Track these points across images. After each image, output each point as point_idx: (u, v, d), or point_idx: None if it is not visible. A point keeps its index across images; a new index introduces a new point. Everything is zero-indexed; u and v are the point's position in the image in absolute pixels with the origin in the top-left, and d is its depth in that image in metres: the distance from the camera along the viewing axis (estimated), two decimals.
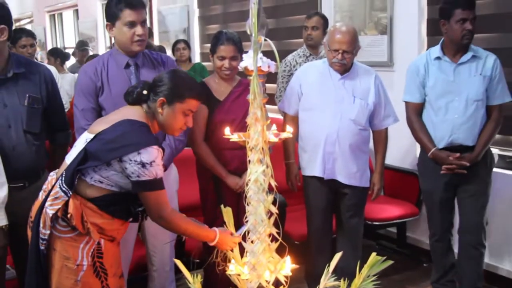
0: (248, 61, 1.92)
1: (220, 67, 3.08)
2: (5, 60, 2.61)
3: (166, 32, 7.67)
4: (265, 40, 1.85)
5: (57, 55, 6.83)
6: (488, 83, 3.15)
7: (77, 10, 11.29)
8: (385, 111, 3.23)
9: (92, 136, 2.21)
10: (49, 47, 12.58)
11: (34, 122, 2.65)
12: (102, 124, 2.25)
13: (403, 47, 4.27)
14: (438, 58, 3.20)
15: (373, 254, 1.96)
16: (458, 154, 3.17)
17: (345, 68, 3.13)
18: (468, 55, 3.16)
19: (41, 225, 2.17)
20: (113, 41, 3.16)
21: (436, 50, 3.23)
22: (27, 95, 2.64)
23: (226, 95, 3.13)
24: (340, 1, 4.75)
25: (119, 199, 2.23)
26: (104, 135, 2.19)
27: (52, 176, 2.30)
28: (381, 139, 3.30)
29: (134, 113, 2.26)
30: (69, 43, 12.22)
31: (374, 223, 3.93)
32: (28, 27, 14.37)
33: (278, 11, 5.59)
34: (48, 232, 2.15)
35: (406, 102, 3.35)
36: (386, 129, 3.30)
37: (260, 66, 1.90)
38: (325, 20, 4.41)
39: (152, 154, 2.14)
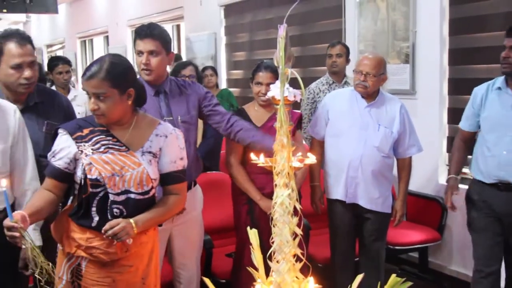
0: (275, 91, 2.04)
1: (257, 93, 3.23)
2: (32, 90, 2.76)
3: (193, 58, 7.83)
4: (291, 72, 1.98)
5: None
6: None
7: (107, 37, 11.62)
8: (409, 141, 3.32)
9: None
10: (80, 71, 12.94)
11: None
12: None
13: (425, 76, 4.37)
14: (499, 88, 3.08)
15: (393, 275, 2.04)
16: (456, 192, 3.23)
17: (366, 92, 3.24)
18: None
19: None
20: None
21: (500, 80, 3.11)
22: (46, 122, 2.76)
23: (264, 121, 3.27)
24: (363, 31, 4.89)
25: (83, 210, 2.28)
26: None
27: None
28: (404, 167, 3.38)
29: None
30: None
31: (396, 247, 4.00)
32: (60, 52, 14.82)
33: (303, 40, 5.73)
34: None
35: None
36: (410, 157, 3.38)
37: (286, 96, 2.02)
38: (347, 49, 4.56)
39: (56, 137, 2.30)
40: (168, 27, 8.86)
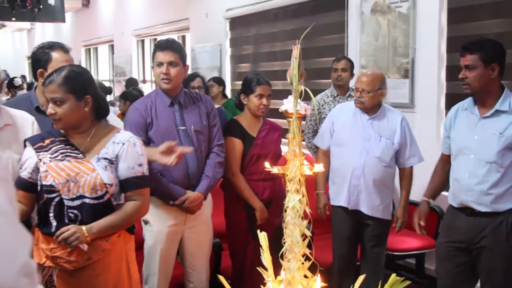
0: (288, 105, 2.24)
1: (258, 105, 3.42)
2: None
3: (197, 69, 7.97)
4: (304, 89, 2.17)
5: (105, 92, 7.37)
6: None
7: (112, 45, 11.79)
8: (410, 151, 3.48)
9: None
10: None
11: None
12: None
13: (424, 91, 4.55)
14: (466, 109, 2.98)
15: (393, 274, 2.22)
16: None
17: (364, 107, 3.42)
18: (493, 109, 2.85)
19: None
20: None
21: (468, 100, 2.99)
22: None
23: (257, 131, 3.48)
24: (365, 46, 5.09)
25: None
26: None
27: None
28: (405, 176, 3.53)
29: None
30: (104, 75, 12.72)
31: (394, 253, 4.18)
32: None
33: (308, 53, 5.86)
34: None
35: None
36: (411, 167, 3.53)
37: (298, 110, 2.22)
38: (351, 63, 4.73)
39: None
40: (174, 38, 9.04)
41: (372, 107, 3.44)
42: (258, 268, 2.34)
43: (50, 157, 2.35)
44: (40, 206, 2.36)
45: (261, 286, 2.29)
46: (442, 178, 3.17)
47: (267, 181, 3.44)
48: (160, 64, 3.08)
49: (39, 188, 2.35)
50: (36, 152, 2.36)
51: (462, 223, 2.94)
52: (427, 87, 4.52)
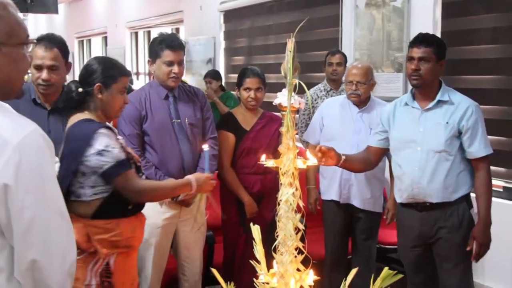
0: (282, 98, 2.23)
1: (246, 98, 3.42)
2: (59, 93, 2.89)
3: (190, 61, 8.00)
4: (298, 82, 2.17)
5: None
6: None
7: (106, 37, 11.74)
8: None
9: (58, 164, 2.30)
10: (77, 71, 13.05)
11: None
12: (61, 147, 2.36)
13: None
14: (406, 104, 2.98)
15: (386, 268, 2.23)
16: None
17: (360, 100, 3.44)
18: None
19: None
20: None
21: (406, 96, 3.04)
22: None
23: (251, 125, 3.48)
24: (359, 40, 5.10)
25: (115, 196, 2.32)
26: (63, 154, 2.32)
27: None
28: None
29: (74, 119, 2.38)
30: None
31: (386, 246, 4.19)
32: None
33: (301, 47, 5.82)
34: None
35: None
36: None
37: (292, 103, 2.21)
38: (345, 57, 4.74)
39: (102, 139, 2.26)
40: (167, 31, 9.01)
41: (365, 99, 3.47)
42: (250, 261, 2.35)
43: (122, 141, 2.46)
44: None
45: (254, 279, 2.31)
46: (359, 157, 3.11)
47: (258, 175, 3.44)
48: (171, 63, 3.09)
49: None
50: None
51: (414, 221, 2.95)
52: None
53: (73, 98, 2.39)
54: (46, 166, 1.43)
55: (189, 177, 2.55)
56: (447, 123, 2.83)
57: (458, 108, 2.83)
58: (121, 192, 2.33)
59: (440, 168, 2.84)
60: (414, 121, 2.92)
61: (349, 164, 2.89)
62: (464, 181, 2.88)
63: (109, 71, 2.39)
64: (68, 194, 2.27)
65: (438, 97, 2.86)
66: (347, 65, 4.73)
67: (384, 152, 3.14)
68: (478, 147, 2.81)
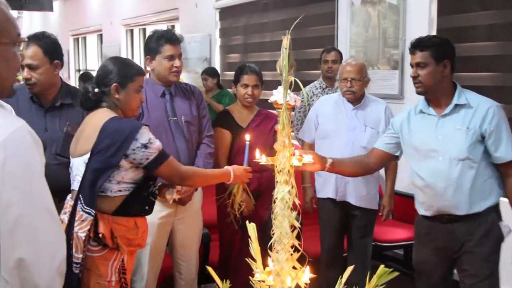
0: (277, 96, 2.22)
1: (243, 95, 3.41)
2: (57, 91, 2.92)
3: (186, 59, 7.94)
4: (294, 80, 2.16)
5: (86, 80, 7.32)
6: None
7: (101, 35, 11.71)
8: None
9: (86, 156, 2.35)
10: (72, 69, 13.03)
11: (68, 147, 2.75)
12: (84, 143, 2.38)
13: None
14: (421, 112, 2.81)
15: (382, 266, 2.23)
16: None
17: (355, 96, 3.44)
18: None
19: (74, 249, 2.27)
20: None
21: (421, 102, 2.83)
22: (68, 122, 2.88)
23: (248, 122, 3.47)
24: (355, 37, 5.09)
25: (136, 195, 2.40)
26: (99, 148, 2.32)
27: (69, 200, 2.46)
28: (391, 165, 3.55)
29: (102, 115, 2.40)
30: (92, 65, 12.65)
31: (382, 244, 4.20)
32: None
33: (297, 44, 5.86)
34: (81, 256, 2.27)
35: None
36: None
37: (288, 101, 2.21)
38: (340, 54, 4.73)
39: (145, 133, 2.34)
40: (163, 28, 8.98)
41: (359, 96, 3.47)
42: (246, 259, 2.35)
43: None
44: (146, 187, 2.46)
45: (249, 277, 2.31)
46: (353, 160, 2.98)
47: (255, 173, 3.41)
48: (171, 57, 3.09)
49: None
50: None
51: (438, 234, 2.76)
52: None
53: (90, 98, 2.45)
54: (34, 163, 1.41)
55: (228, 167, 2.66)
56: (467, 128, 2.63)
57: (477, 110, 2.64)
58: (165, 178, 2.50)
59: (465, 177, 2.64)
60: (431, 129, 2.72)
61: (339, 168, 2.76)
62: (492, 190, 2.69)
63: (125, 71, 2.45)
64: (94, 187, 2.31)
65: (454, 101, 2.67)
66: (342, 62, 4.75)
67: (389, 159, 2.96)
68: (506, 151, 2.62)
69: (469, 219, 2.67)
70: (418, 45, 2.69)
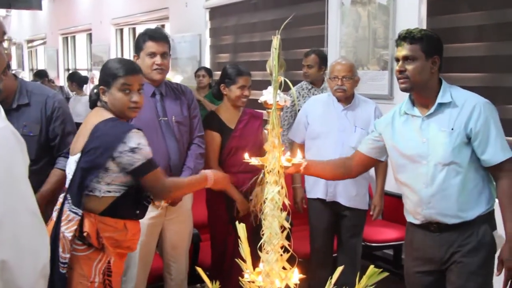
0: (267, 96, 2.22)
1: (240, 96, 3.39)
2: (13, 93, 2.86)
3: (176, 58, 7.95)
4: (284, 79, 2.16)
5: (73, 79, 7.32)
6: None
7: (90, 34, 11.66)
8: None
9: (78, 155, 2.37)
10: (61, 68, 12.97)
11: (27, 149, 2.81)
12: (77, 143, 2.41)
13: None
14: (405, 113, 2.59)
15: (371, 266, 2.23)
16: None
17: (345, 95, 3.43)
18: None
19: (61, 249, 2.27)
20: None
21: (405, 102, 2.61)
22: (24, 123, 2.84)
23: (235, 123, 3.46)
24: (345, 38, 5.09)
25: (127, 198, 2.38)
26: (88, 148, 2.33)
27: (61, 198, 2.43)
28: (381, 165, 3.50)
29: (97, 114, 2.42)
30: (82, 64, 12.59)
31: (372, 244, 4.21)
32: (41, 48, 14.77)
33: (287, 44, 5.86)
34: (68, 255, 2.26)
35: None
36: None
37: (278, 101, 2.20)
38: (321, 58, 4.72)
39: (134, 137, 2.31)
40: (152, 27, 8.95)
41: (349, 96, 3.47)
42: (236, 259, 2.34)
43: None
44: (134, 191, 2.42)
45: (239, 278, 2.30)
46: (331, 163, 2.82)
47: (247, 173, 3.41)
48: (153, 54, 3.05)
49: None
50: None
51: (426, 243, 2.55)
52: None
53: (91, 98, 2.55)
54: (17, 164, 1.38)
55: (207, 171, 2.64)
56: (452, 129, 2.41)
57: (463, 109, 2.41)
58: (148, 190, 2.42)
59: (452, 183, 2.42)
60: (415, 131, 2.51)
61: (314, 171, 2.65)
62: (483, 196, 2.46)
63: (105, 72, 2.46)
64: (82, 187, 2.30)
65: (438, 100, 2.45)
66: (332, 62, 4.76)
67: (373, 163, 2.83)
68: (494, 152, 2.38)
69: (459, 228, 2.46)
70: (407, 37, 2.45)
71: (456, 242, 2.47)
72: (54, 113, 2.96)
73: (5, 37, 1.52)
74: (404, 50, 2.45)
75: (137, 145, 2.31)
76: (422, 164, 2.47)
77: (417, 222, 2.56)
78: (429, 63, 2.45)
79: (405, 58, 2.44)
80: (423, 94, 2.49)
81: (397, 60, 2.49)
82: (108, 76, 2.46)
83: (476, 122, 2.39)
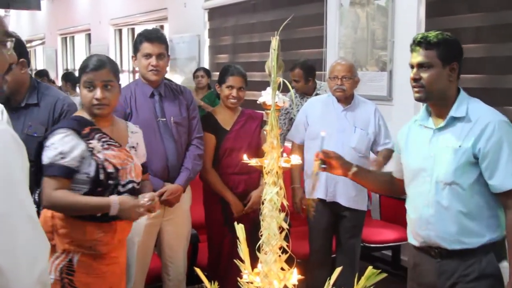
0: (266, 97, 2.22)
1: (227, 96, 3.39)
2: (25, 90, 2.84)
3: (175, 59, 7.98)
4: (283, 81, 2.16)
5: (68, 79, 7.35)
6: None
7: (89, 34, 11.65)
8: (384, 139, 3.53)
9: None
10: (60, 68, 12.96)
11: (29, 150, 2.78)
12: None
13: (401, 84, 4.57)
14: (420, 124, 2.39)
15: (370, 267, 2.22)
16: None
17: (345, 95, 3.44)
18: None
19: None
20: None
21: (420, 112, 2.41)
22: (29, 123, 2.82)
23: (231, 124, 3.45)
24: (344, 39, 5.10)
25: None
26: None
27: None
28: (385, 155, 3.48)
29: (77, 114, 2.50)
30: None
31: (371, 245, 4.21)
32: (40, 48, 14.75)
33: (286, 45, 5.87)
34: None
35: None
36: (388, 149, 3.49)
37: (276, 102, 2.20)
38: (305, 70, 4.70)
39: (55, 137, 2.30)
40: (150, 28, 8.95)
41: (349, 96, 3.48)
42: (235, 260, 2.34)
43: (100, 146, 2.37)
44: (96, 194, 2.36)
45: (238, 278, 2.30)
46: (382, 180, 2.64)
47: (242, 175, 3.42)
48: (149, 55, 3.06)
49: (96, 177, 2.34)
50: (85, 140, 2.35)
51: (428, 268, 2.35)
52: (405, 80, 4.45)
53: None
54: (15, 167, 1.35)
55: (114, 199, 2.34)
56: (459, 146, 2.18)
57: (475, 125, 2.18)
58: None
59: (453, 205, 2.21)
60: (425, 144, 2.30)
61: (362, 179, 2.50)
62: (490, 224, 2.22)
63: (79, 72, 2.46)
64: (38, 183, 2.31)
65: (451, 113, 2.23)
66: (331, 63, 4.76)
67: None
68: (503, 178, 2.12)
69: (461, 255, 2.24)
70: (422, 42, 2.22)
71: (457, 272, 2.26)
72: (61, 116, 2.95)
73: (8, 38, 1.49)
74: (418, 57, 2.23)
75: (49, 145, 2.31)
76: (426, 180, 2.28)
77: (417, 244, 2.37)
78: (447, 71, 2.23)
79: (420, 65, 2.23)
80: (439, 105, 2.28)
81: (412, 67, 2.27)
82: (78, 74, 2.47)
83: (486, 142, 2.14)
